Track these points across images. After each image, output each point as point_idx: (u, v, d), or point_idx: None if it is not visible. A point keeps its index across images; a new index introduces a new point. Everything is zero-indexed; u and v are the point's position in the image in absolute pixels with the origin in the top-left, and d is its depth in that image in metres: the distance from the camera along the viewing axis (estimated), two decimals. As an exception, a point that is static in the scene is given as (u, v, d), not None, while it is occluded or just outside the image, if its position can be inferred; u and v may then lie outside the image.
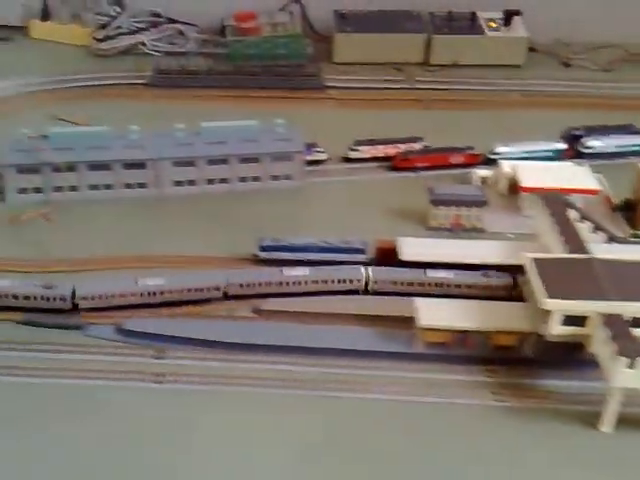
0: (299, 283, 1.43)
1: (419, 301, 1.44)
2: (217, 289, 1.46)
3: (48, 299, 1.41)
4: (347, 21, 2.26)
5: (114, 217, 1.71)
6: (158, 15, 2.31)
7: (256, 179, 1.79)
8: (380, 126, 2.01)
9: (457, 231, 1.71)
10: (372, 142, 1.88)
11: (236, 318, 1.48)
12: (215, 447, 1.27)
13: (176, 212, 1.74)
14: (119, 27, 2.28)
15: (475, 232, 1.70)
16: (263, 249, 1.58)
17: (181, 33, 2.29)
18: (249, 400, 1.32)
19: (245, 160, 1.76)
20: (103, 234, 1.69)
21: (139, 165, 1.73)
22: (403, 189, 1.85)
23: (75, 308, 1.43)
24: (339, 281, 1.46)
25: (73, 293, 1.42)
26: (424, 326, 1.37)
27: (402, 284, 1.46)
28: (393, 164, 1.86)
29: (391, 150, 1.87)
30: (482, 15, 2.29)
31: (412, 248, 1.52)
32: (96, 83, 2.12)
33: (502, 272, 1.51)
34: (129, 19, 2.31)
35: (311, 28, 2.35)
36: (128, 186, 1.74)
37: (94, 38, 2.24)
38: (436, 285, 1.47)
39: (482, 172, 1.82)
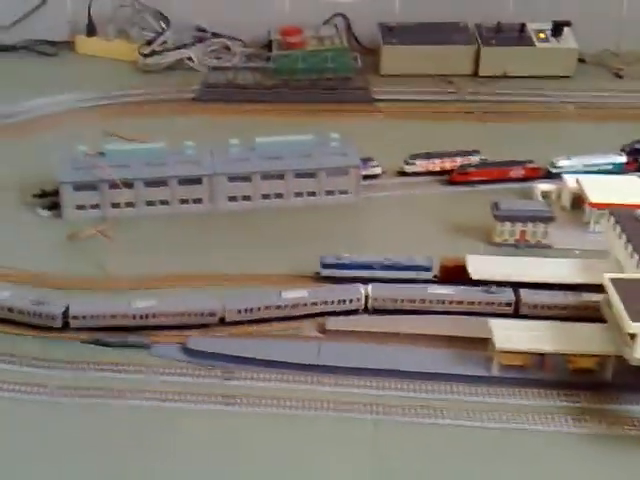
0: (297, 306, 1.38)
1: (494, 322, 1.39)
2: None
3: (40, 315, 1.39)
4: (393, 33, 2.25)
5: (171, 233, 1.69)
6: (203, 30, 2.31)
7: (311, 194, 1.76)
8: (432, 139, 1.98)
9: (522, 247, 1.65)
10: (428, 156, 1.85)
11: (302, 338, 1.46)
12: (290, 471, 1.23)
13: (231, 228, 1.72)
14: (165, 42, 2.28)
15: (541, 248, 1.65)
16: (325, 266, 1.55)
17: (227, 48, 2.29)
18: (320, 424, 1.28)
19: (301, 175, 1.74)
20: (160, 251, 1.66)
21: (195, 181, 1.72)
22: (462, 203, 1.81)
23: (66, 326, 1.36)
24: (338, 302, 1.40)
25: (66, 311, 1.38)
26: (500, 348, 1.32)
27: (402, 301, 1.42)
28: (450, 178, 1.82)
29: (448, 164, 1.84)
30: (531, 26, 2.26)
31: (482, 266, 1.48)
32: (145, 99, 2.13)
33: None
34: (175, 34, 2.32)
35: (356, 41, 2.33)
36: (183, 202, 1.72)
37: (140, 53, 2.24)
38: (438, 302, 1.43)
39: (544, 186, 1.76)
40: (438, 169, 1.84)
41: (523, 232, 1.64)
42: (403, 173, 1.85)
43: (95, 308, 1.44)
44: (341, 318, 1.47)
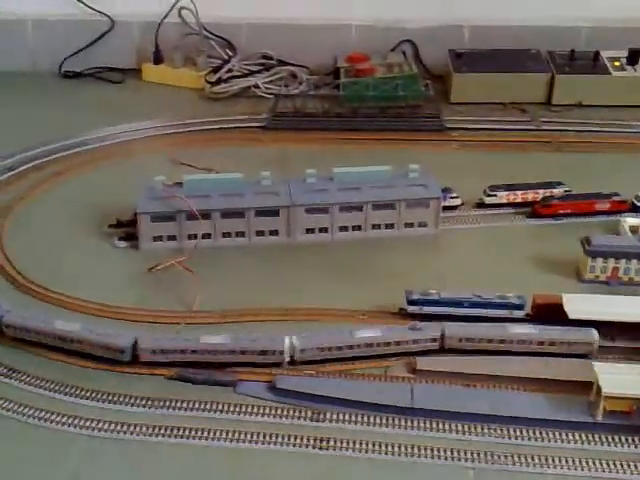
0: (216, 352, 1.29)
1: (599, 365, 1.32)
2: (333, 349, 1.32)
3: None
4: (463, 60, 2.22)
5: (247, 266, 1.65)
6: (269, 58, 2.33)
7: (389, 226, 1.72)
8: (508, 169, 1.93)
9: (614, 285, 1.59)
10: (509, 187, 1.79)
11: (391, 378, 1.40)
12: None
13: (309, 260, 1.67)
14: (231, 70, 2.28)
15: (633, 286, 1.58)
16: (411, 302, 1.49)
17: (293, 75, 2.29)
18: (418, 471, 1.22)
19: (380, 207, 1.70)
20: (238, 283, 1.62)
21: (272, 212, 1.69)
22: (545, 237, 1.74)
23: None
24: (259, 353, 1.33)
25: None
26: (607, 393, 1.24)
27: (330, 350, 1.34)
28: (533, 210, 1.75)
29: (530, 195, 1.77)
30: (605, 54, 2.22)
31: (580, 305, 1.40)
32: (213, 127, 2.12)
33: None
34: (241, 62, 2.32)
35: (424, 68, 2.32)
36: (259, 233, 1.69)
37: (207, 81, 2.24)
38: (366, 345, 1.35)
39: (632, 220, 1.68)
40: (519, 201, 1.78)
41: (616, 269, 1.57)
42: (482, 204, 1.80)
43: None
44: (432, 358, 1.42)
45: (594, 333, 1.40)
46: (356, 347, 1.38)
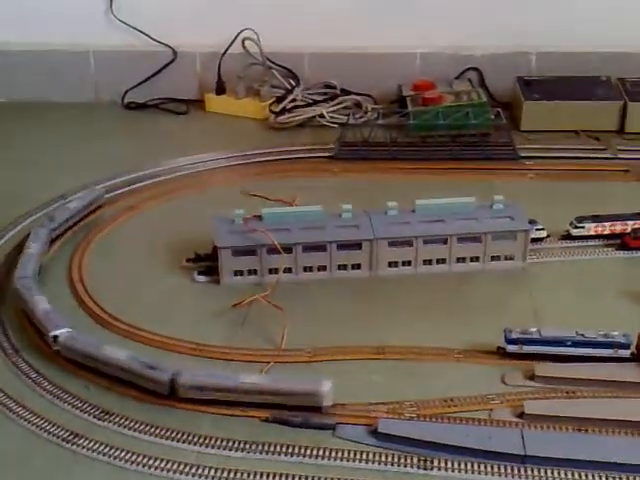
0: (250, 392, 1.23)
1: None
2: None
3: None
4: (533, 88, 2.20)
5: (331, 301, 1.61)
6: (333, 87, 2.33)
7: (475, 259, 1.67)
8: (588, 199, 1.88)
9: None
10: (596, 218, 1.74)
11: (498, 423, 1.33)
12: None
13: (394, 295, 1.63)
14: (294, 100, 2.29)
15: None
16: (510, 342, 1.43)
17: (358, 105, 2.29)
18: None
19: (465, 240, 1.66)
20: (323, 319, 1.58)
21: (354, 246, 1.66)
22: (637, 271, 1.68)
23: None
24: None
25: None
26: None
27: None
28: (623, 242, 1.71)
29: (618, 227, 1.72)
30: None
31: None
32: (281, 157, 2.10)
33: None
34: (304, 91, 2.33)
35: (490, 95, 2.28)
36: (342, 267, 1.66)
37: (271, 111, 2.25)
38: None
39: None
40: (607, 232, 1.73)
41: None
42: (568, 236, 1.74)
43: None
44: (540, 402, 1.35)
45: (325, 384, 1.28)
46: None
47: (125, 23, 2.36)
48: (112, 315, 1.59)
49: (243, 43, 2.34)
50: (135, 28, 2.37)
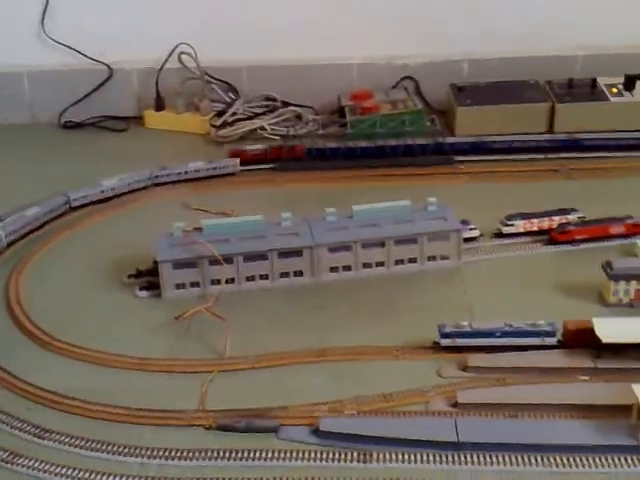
0: None
1: (638, 387, 1.36)
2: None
3: None
4: (466, 94, 2.35)
5: (274, 308, 1.70)
6: (273, 99, 2.43)
7: (412, 261, 1.80)
8: (519, 199, 2.04)
9: (638, 306, 1.67)
10: (525, 216, 1.89)
11: (434, 413, 1.43)
12: None
13: (335, 300, 1.73)
14: (235, 113, 2.38)
15: (654, 306, 1.77)
16: (444, 335, 1.55)
17: (298, 116, 2.40)
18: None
19: (402, 242, 1.78)
20: (266, 327, 1.67)
21: (295, 253, 1.75)
22: (564, 263, 1.84)
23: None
24: None
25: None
26: None
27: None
28: (550, 237, 1.86)
29: (546, 223, 1.87)
30: (602, 81, 2.36)
31: (611, 329, 1.48)
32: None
33: None
34: (244, 104, 2.42)
35: (425, 103, 2.44)
36: (284, 275, 1.76)
37: (212, 125, 2.34)
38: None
39: None
40: (536, 229, 1.88)
41: (638, 291, 1.67)
42: (500, 234, 1.89)
43: None
44: (472, 390, 1.48)
45: None
46: None
47: (58, 42, 2.43)
48: (50, 335, 1.64)
49: (179, 58, 2.43)
50: (69, 47, 2.43)
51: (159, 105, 2.44)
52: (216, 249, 1.72)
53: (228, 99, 2.41)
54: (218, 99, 2.43)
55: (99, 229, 2.00)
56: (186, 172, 2.13)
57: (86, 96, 2.44)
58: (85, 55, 2.43)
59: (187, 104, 2.43)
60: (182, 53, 2.41)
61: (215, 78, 2.44)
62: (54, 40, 2.41)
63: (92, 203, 2.03)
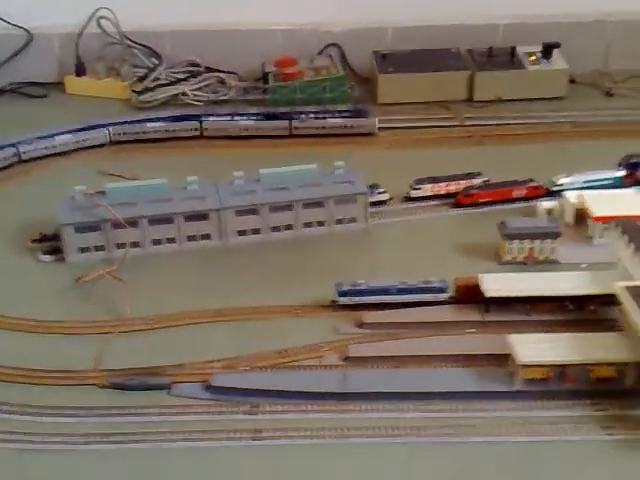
0: None
1: (514, 337, 1.46)
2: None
3: None
4: (388, 62, 2.37)
5: (180, 271, 1.74)
6: (196, 65, 2.41)
7: (320, 224, 1.83)
8: (435, 164, 2.09)
9: (531, 264, 1.76)
10: (433, 180, 1.96)
11: (326, 367, 1.50)
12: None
13: (243, 262, 1.78)
14: (157, 79, 2.37)
15: (548, 264, 1.75)
16: (342, 294, 1.62)
17: (222, 82, 2.39)
18: (353, 452, 1.34)
19: (309, 205, 1.83)
20: (171, 289, 1.71)
21: (201, 216, 1.78)
22: (468, 225, 1.91)
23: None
24: None
25: None
26: (522, 362, 1.39)
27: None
28: (456, 200, 1.93)
29: (452, 187, 1.95)
30: (521, 50, 2.41)
31: (495, 284, 1.56)
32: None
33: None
34: (167, 70, 2.40)
35: (351, 70, 2.45)
36: (191, 238, 1.78)
37: (133, 91, 2.33)
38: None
39: (547, 204, 1.87)
40: (443, 192, 1.95)
41: (532, 249, 1.75)
42: (409, 198, 1.95)
43: None
44: (364, 345, 1.55)
45: None
46: None
47: (-25, 6, 2.49)
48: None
49: (99, 23, 2.41)
50: (-14, 11, 2.49)
51: (80, 70, 2.41)
52: (120, 213, 1.74)
53: (151, 64, 2.40)
54: (140, 64, 2.42)
55: (10, 195, 1.96)
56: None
57: (5, 62, 2.40)
58: (4, 20, 2.39)
59: (108, 69, 2.41)
60: (102, 17, 2.38)
61: (137, 43, 2.42)
62: (-31, 3, 2.48)
63: (6, 167, 1.99)
